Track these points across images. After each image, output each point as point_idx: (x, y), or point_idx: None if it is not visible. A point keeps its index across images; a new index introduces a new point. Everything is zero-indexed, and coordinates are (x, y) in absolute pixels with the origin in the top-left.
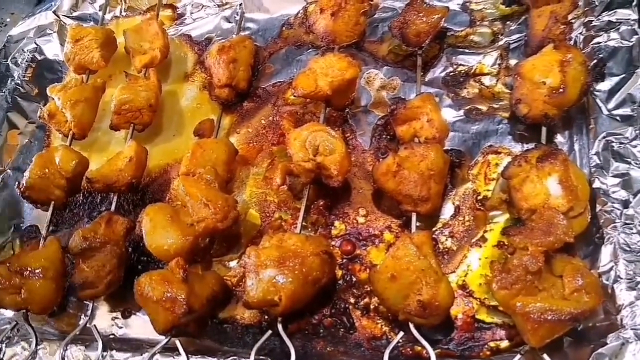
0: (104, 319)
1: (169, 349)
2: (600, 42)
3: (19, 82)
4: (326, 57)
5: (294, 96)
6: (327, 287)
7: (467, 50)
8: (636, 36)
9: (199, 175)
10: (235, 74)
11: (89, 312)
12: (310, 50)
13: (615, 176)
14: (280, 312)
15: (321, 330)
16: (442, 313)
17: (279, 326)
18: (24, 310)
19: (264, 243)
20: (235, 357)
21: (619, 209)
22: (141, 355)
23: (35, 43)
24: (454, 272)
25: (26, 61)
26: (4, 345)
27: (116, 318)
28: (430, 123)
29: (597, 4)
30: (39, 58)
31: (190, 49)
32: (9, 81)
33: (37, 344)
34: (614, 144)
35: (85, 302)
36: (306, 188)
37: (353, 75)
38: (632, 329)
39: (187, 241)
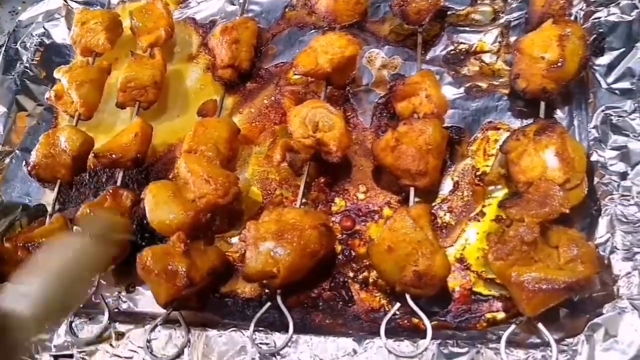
0: (108, 293)
1: (171, 322)
2: (600, 17)
3: (27, 65)
4: (327, 35)
5: (295, 74)
6: (326, 261)
7: (468, 29)
8: (636, 10)
9: (201, 153)
10: (238, 54)
11: (95, 283)
12: (313, 31)
13: (613, 149)
14: (279, 283)
15: (320, 304)
16: (437, 283)
17: (278, 298)
18: None
19: (264, 217)
20: (235, 329)
21: (616, 181)
22: (143, 327)
23: (43, 27)
24: (452, 245)
25: (35, 45)
26: None
27: (120, 292)
28: (428, 99)
29: None
30: (47, 42)
31: (194, 32)
32: (17, 65)
33: None
34: (612, 117)
35: None
36: (306, 164)
37: (353, 52)
38: (628, 299)
39: (189, 216)
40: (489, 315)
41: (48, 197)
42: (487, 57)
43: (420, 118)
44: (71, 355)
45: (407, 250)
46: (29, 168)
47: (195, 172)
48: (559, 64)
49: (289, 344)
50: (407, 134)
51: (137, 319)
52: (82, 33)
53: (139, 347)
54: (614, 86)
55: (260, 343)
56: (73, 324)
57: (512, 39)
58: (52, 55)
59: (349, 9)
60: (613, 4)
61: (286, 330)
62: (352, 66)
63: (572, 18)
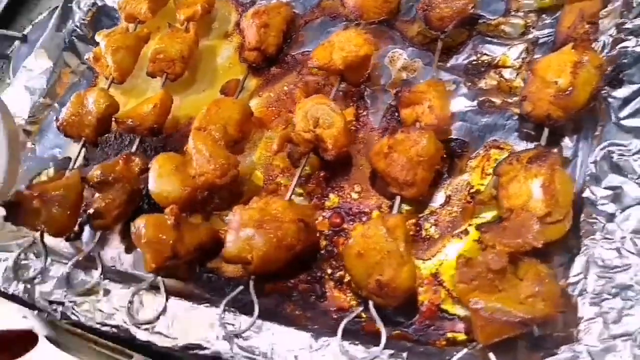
0: (109, 251)
1: (156, 287)
2: (627, 47)
3: (78, 24)
4: (347, 31)
5: (309, 66)
6: (304, 254)
7: (495, 40)
8: None
9: (209, 132)
10: (266, 38)
11: (95, 241)
12: (345, 22)
13: (607, 188)
14: (252, 270)
15: (294, 294)
16: (399, 295)
17: (250, 283)
18: (40, 231)
19: (252, 204)
20: (208, 305)
21: (602, 222)
22: (129, 288)
23: None
24: (430, 259)
25: (88, 6)
26: (20, 259)
27: (119, 251)
28: (431, 109)
29: (635, 5)
30: (100, 4)
31: (234, 9)
32: (69, 23)
33: (45, 261)
34: (614, 155)
35: (95, 231)
36: (304, 157)
37: (367, 52)
38: (585, 345)
39: (185, 191)
40: (449, 335)
41: (76, 151)
42: (507, 73)
43: (420, 128)
44: (62, 302)
45: (375, 258)
46: (58, 123)
47: (199, 150)
48: (568, 92)
49: (253, 328)
50: (401, 143)
51: (126, 279)
52: (127, 0)
53: (120, 306)
54: (623, 122)
55: (227, 323)
56: (70, 275)
57: (537, 56)
58: (103, 17)
59: (376, 6)
60: None
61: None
62: (366, 65)
63: (600, 44)
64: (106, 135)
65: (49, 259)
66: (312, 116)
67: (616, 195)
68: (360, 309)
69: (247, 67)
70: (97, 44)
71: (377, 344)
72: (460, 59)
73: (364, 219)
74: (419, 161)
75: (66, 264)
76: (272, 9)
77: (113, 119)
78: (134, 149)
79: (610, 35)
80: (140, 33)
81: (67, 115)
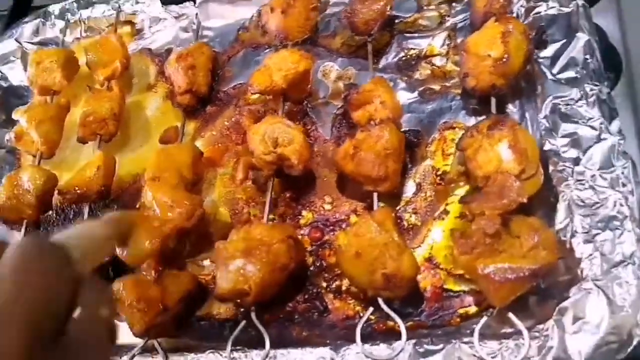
0: None
1: (148, 350)
2: (540, 12)
3: None
4: (279, 52)
5: (251, 93)
6: (297, 273)
7: (416, 35)
8: (573, 2)
9: (164, 180)
10: (195, 79)
11: None
12: (267, 50)
13: (564, 136)
14: (252, 300)
15: (296, 317)
16: (406, 284)
17: (252, 315)
18: None
19: (232, 237)
20: (212, 351)
21: (570, 167)
22: (120, 359)
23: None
24: (420, 246)
25: None
26: None
27: None
28: (383, 105)
29: None
30: (5, 85)
31: (151, 62)
32: None
33: None
34: (560, 106)
35: None
36: (270, 180)
37: (306, 67)
38: (592, 280)
39: (157, 242)
40: (461, 311)
41: (16, 238)
42: (437, 60)
43: (376, 124)
44: None
45: (374, 254)
46: None
47: (159, 199)
48: (504, 60)
49: (268, 359)
50: (365, 141)
51: (114, 351)
52: (38, 73)
53: None
54: (559, 76)
55: None
56: None
57: (459, 40)
58: (11, 97)
59: (299, 25)
60: None
61: (264, 347)
62: (307, 80)
63: (514, 15)
64: (46, 213)
65: None
66: (270, 137)
67: (574, 140)
68: (370, 310)
69: (182, 111)
70: (11, 126)
71: (396, 340)
72: (390, 59)
73: (343, 225)
74: (387, 154)
75: None
76: (194, 50)
77: (56, 191)
78: (85, 217)
79: (522, 6)
80: (60, 102)
81: (2, 201)
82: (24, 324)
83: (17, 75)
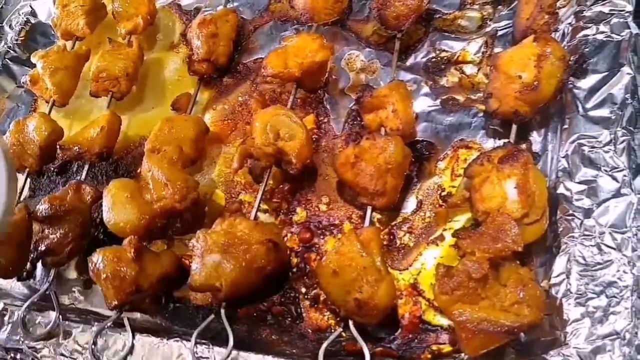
0: (65, 288)
1: (120, 324)
2: (588, 35)
3: (11, 45)
4: (301, 36)
5: (264, 75)
6: (275, 275)
7: (452, 35)
8: (627, 30)
9: (164, 153)
10: (215, 48)
11: (50, 279)
12: (296, 26)
13: (581, 182)
14: (222, 297)
15: (269, 318)
16: (378, 313)
17: (222, 312)
18: None
19: (215, 227)
20: (178, 339)
21: (579, 218)
22: (91, 328)
23: (30, 6)
24: (407, 269)
25: (20, 24)
26: None
27: (77, 287)
28: (395, 114)
29: None
30: (33, 21)
31: (178, 19)
32: (1, 44)
33: None
34: (585, 148)
35: (49, 268)
36: (266, 172)
37: (323, 58)
38: (574, 348)
39: (143, 220)
40: (434, 347)
41: (20, 182)
42: (468, 68)
43: (386, 133)
44: (21, 349)
45: (352, 275)
46: None
47: (155, 174)
48: (534, 86)
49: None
50: (367, 151)
51: (87, 318)
52: (62, 16)
53: (84, 348)
54: (591, 113)
55: (201, 357)
56: (26, 318)
57: (497, 49)
58: (38, 35)
59: (327, 7)
60: (604, 22)
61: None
62: (323, 71)
63: (560, 34)
64: (51, 162)
65: (1, 303)
66: (272, 128)
67: (591, 189)
68: (340, 329)
69: (198, 79)
70: (34, 65)
71: None
72: (419, 57)
73: (334, 231)
74: (388, 169)
75: (20, 306)
76: (219, 17)
77: (58, 146)
78: (83, 175)
79: (570, 24)
80: (79, 51)
81: (8, 146)
82: None
83: (47, 12)
